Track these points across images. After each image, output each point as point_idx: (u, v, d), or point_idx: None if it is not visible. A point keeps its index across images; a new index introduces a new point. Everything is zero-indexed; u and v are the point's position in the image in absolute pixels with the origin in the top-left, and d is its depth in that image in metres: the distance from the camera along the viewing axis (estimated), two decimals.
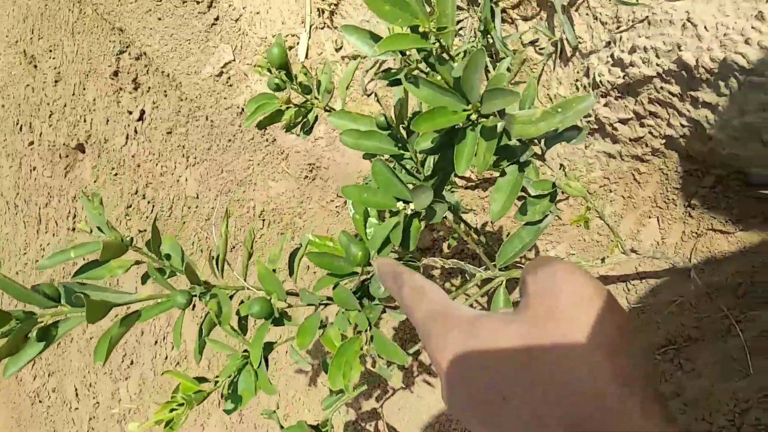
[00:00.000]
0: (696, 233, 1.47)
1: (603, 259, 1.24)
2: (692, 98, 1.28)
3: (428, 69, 0.85)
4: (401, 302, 0.46)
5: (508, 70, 1.60)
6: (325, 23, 2.01)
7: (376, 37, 0.82)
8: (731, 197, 1.40)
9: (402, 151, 1.02)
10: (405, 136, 1.00)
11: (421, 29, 0.74)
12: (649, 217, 1.54)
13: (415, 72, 0.82)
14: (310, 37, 2.06)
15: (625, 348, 0.33)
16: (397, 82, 0.87)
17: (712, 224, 1.44)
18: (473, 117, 0.79)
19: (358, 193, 0.89)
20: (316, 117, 1.11)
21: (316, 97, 1.13)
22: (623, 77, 1.34)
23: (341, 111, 1.03)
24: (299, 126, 1.11)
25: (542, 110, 0.85)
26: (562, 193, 1.47)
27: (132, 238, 0.82)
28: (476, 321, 0.38)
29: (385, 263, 0.51)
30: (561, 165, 1.44)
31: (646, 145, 1.45)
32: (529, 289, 0.37)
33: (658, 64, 1.27)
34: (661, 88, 1.30)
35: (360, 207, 0.98)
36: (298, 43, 2.09)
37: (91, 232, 0.70)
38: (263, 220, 2.25)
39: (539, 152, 0.96)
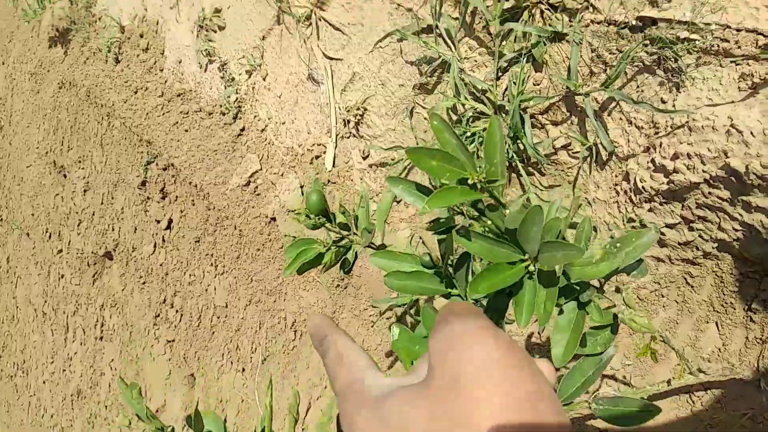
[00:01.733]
0: (761, 339, 1.37)
1: (669, 381, 1.15)
2: (744, 203, 1.22)
3: (477, 215, 0.80)
4: (326, 369, 0.45)
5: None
6: (351, 132, 2.02)
7: (421, 187, 0.78)
8: None
9: (450, 290, 0.97)
10: (452, 273, 0.95)
11: (470, 181, 0.71)
12: (707, 322, 1.44)
13: (467, 223, 0.78)
14: (336, 146, 2.07)
15: (537, 418, 0.30)
16: (447, 231, 0.82)
17: None
18: (531, 269, 0.73)
19: (406, 344, 0.83)
20: (356, 254, 1.07)
21: (355, 233, 1.10)
22: (667, 183, 1.29)
23: (384, 251, 0.99)
24: (339, 264, 1.07)
25: (601, 250, 0.80)
26: None
27: (172, 428, 0.76)
28: (385, 402, 0.36)
29: (315, 324, 0.49)
30: (618, 288, 1.37)
31: (697, 249, 1.38)
32: (432, 356, 0.35)
33: (704, 171, 1.22)
34: (709, 193, 1.25)
35: (408, 358, 0.92)
36: (324, 152, 2.09)
37: (130, 424, 0.64)
38: (295, 331, 2.18)
39: (597, 284, 0.90)
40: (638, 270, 0.88)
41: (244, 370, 2.49)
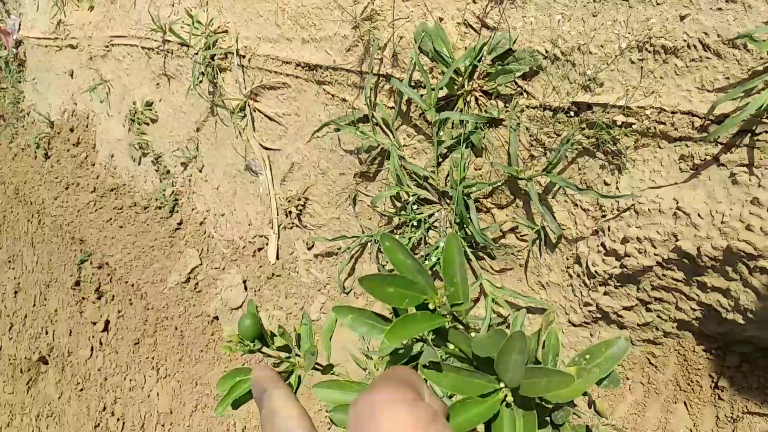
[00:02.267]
0: (731, 417, 1.32)
1: None
2: (699, 283, 1.19)
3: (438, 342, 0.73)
4: (261, 423, 0.44)
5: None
6: (293, 223, 1.94)
7: (375, 317, 0.70)
8: (762, 375, 1.28)
9: None
10: None
11: (431, 306, 0.63)
12: (675, 402, 1.39)
13: (432, 352, 0.69)
14: (279, 238, 1.98)
15: None
16: (408, 362, 0.74)
17: (746, 406, 1.30)
18: (510, 399, 0.65)
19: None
20: (299, 379, 0.98)
21: (297, 355, 1.00)
22: (620, 267, 1.25)
23: (328, 382, 0.90)
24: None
25: (575, 368, 0.73)
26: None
27: None
28: None
29: (257, 376, 0.49)
30: (591, 403, 1.31)
31: (657, 329, 1.33)
32: (349, 420, 0.35)
33: (656, 254, 1.19)
34: (664, 275, 1.22)
35: None
36: (267, 245, 2.00)
37: None
38: None
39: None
40: (610, 380, 0.82)
41: None
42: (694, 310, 1.24)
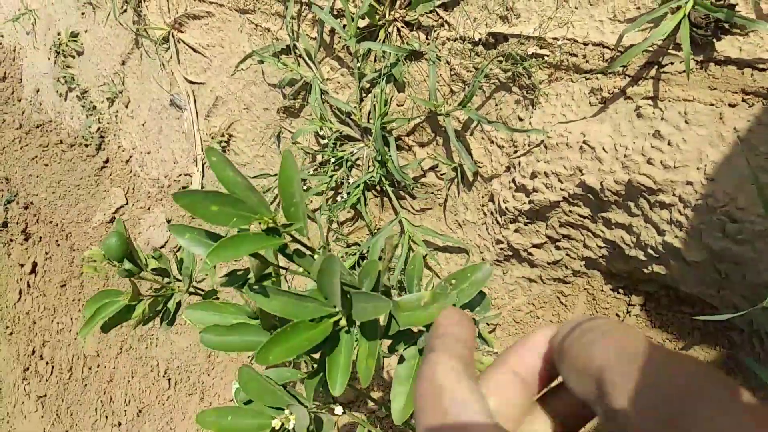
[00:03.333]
0: None
1: None
2: (604, 219, 1.19)
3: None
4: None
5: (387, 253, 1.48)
6: None
7: (211, 235, 0.66)
8: (665, 314, 1.30)
9: None
10: (280, 325, 0.84)
11: (262, 226, 0.60)
12: None
13: (263, 280, 0.67)
14: (203, 176, 1.92)
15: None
16: (243, 285, 0.72)
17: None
18: (342, 323, 0.63)
19: (218, 421, 0.71)
20: (179, 303, 0.94)
21: (177, 279, 0.96)
22: (529, 203, 1.24)
23: (201, 303, 0.86)
24: (160, 316, 0.93)
25: (430, 293, 0.71)
26: None
27: None
28: None
29: (446, 324, 0.34)
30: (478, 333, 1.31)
31: (566, 267, 1.34)
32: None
33: (562, 189, 1.17)
34: (570, 211, 1.21)
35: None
36: (191, 183, 1.94)
37: None
38: (169, 379, 2.00)
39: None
40: (482, 306, 0.80)
41: (120, 424, 2.27)
42: (600, 247, 1.24)
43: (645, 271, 1.20)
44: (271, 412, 0.76)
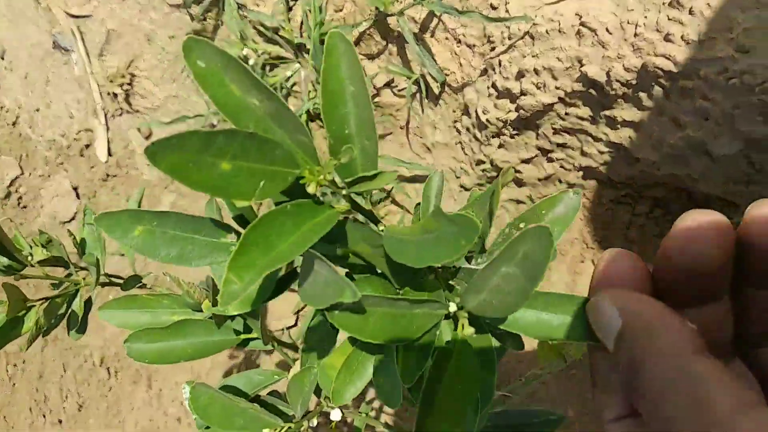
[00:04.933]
0: None
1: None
2: (608, 119, 0.98)
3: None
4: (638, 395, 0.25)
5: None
6: (122, 109, 1.56)
7: (196, 222, 0.39)
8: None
9: (248, 336, 0.62)
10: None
11: (311, 188, 0.31)
12: (582, 261, 1.24)
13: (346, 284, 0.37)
14: (108, 129, 1.60)
15: None
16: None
17: None
18: (468, 332, 0.38)
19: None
20: (90, 301, 0.69)
21: (81, 267, 0.70)
22: (516, 110, 1.02)
23: (121, 299, 0.61)
24: (65, 322, 0.68)
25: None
26: None
27: None
28: None
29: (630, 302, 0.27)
30: None
31: (560, 182, 1.14)
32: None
33: (557, 87, 0.96)
34: (567, 114, 1.00)
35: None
36: (95, 140, 1.61)
37: None
38: (107, 368, 1.74)
39: None
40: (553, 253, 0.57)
41: (60, 422, 2.01)
42: (602, 153, 1.05)
43: (656, 173, 1.02)
44: None
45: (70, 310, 0.65)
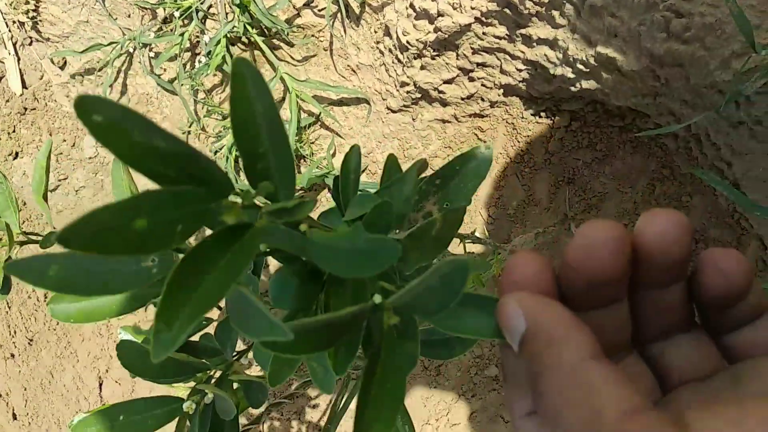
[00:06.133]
0: (564, 179, 1.24)
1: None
2: (524, 37, 1.00)
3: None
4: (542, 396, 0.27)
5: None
6: (31, 37, 1.47)
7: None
8: (592, 132, 1.18)
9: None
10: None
11: (229, 220, 0.30)
12: (507, 175, 1.29)
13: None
14: (19, 60, 1.51)
15: None
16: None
17: (576, 166, 1.22)
18: (394, 320, 0.41)
19: (107, 427, 0.51)
20: (8, 261, 0.69)
21: None
22: (434, 31, 1.02)
23: (40, 256, 0.61)
24: None
25: (441, 216, 0.47)
26: None
27: None
28: None
29: (524, 309, 0.29)
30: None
31: (482, 100, 1.16)
32: None
33: (473, 7, 0.96)
34: (484, 34, 1.01)
35: None
36: (5, 72, 1.53)
37: None
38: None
39: None
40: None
41: (13, 356, 2.03)
42: (520, 70, 1.07)
43: (572, 89, 1.05)
44: (178, 388, 0.57)
45: None
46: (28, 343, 1.92)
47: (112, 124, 0.28)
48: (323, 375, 0.40)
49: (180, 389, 0.56)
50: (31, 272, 0.31)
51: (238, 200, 0.30)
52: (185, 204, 0.28)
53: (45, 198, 0.69)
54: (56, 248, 0.68)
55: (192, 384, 0.57)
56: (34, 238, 0.71)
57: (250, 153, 0.32)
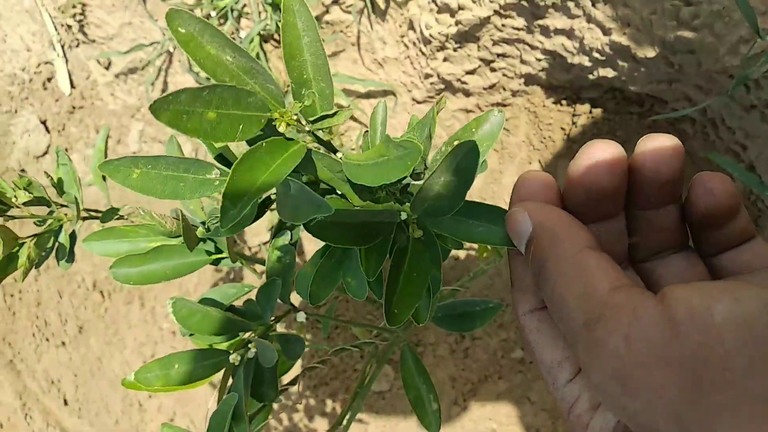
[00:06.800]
0: None
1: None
2: (542, 28, 1.04)
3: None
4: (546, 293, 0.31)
5: None
6: (78, 39, 1.57)
7: (187, 163, 0.44)
8: (612, 118, 1.22)
9: (219, 255, 0.71)
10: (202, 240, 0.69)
11: (280, 127, 0.37)
12: (530, 163, 1.33)
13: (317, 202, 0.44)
14: (67, 61, 1.61)
15: None
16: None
17: None
18: (417, 233, 0.47)
19: (164, 374, 0.59)
20: (74, 234, 0.77)
21: (62, 204, 0.78)
22: (455, 24, 1.07)
23: (102, 231, 0.69)
24: (54, 255, 0.76)
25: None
26: None
27: None
28: None
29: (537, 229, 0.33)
30: None
31: (504, 89, 1.21)
32: None
33: (491, 1, 1.01)
34: (503, 26, 1.05)
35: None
36: (56, 72, 1.63)
37: None
38: (101, 292, 1.85)
39: None
40: (480, 167, 0.66)
41: (64, 344, 2.15)
42: (539, 60, 1.11)
43: (590, 77, 1.09)
44: (223, 343, 0.64)
45: (57, 243, 0.73)
46: (79, 331, 2.03)
47: (194, 36, 0.35)
48: (356, 285, 0.47)
49: (224, 346, 0.63)
50: (119, 172, 0.38)
51: (289, 112, 0.37)
52: (247, 107, 0.35)
53: (104, 179, 0.77)
54: (114, 223, 0.76)
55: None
56: (93, 214, 0.79)
57: (297, 78, 0.39)
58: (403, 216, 0.44)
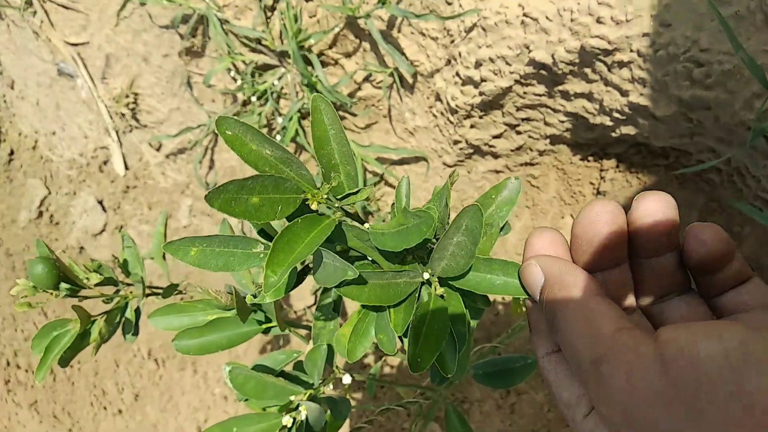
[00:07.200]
0: None
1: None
2: (562, 92, 1.10)
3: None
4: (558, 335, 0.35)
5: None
6: (131, 125, 1.70)
7: (236, 240, 0.51)
8: (640, 172, 1.25)
9: (269, 324, 0.77)
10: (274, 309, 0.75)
11: (313, 205, 0.44)
12: (563, 217, 1.37)
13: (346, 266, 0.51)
14: (121, 145, 1.74)
15: None
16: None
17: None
18: (439, 290, 0.52)
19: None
20: (138, 310, 0.84)
21: (127, 283, 0.85)
22: (479, 95, 1.14)
23: (164, 307, 0.76)
24: (120, 329, 0.83)
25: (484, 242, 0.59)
26: None
27: None
28: None
29: (552, 268, 0.38)
30: None
31: (531, 150, 1.26)
32: None
33: (511, 72, 1.07)
34: (525, 93, 1.12)
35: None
36: (111, 156, 1.76)
37: None
38: (155, 360, 1.93)
39: None
40: (504, 229, 0.71)
41: (120, 412, 2.22)
42: (563, 121, 1.17)
43: (613, 134, 1.14)
44: (276, 406, 0.69)
45: (123, 319, 0.81)
46: (135, 399, 2.10)
47: (238, 136, 0.43)
48: (387, 341, 0.52)
49: (276, 409, 0.67)
50: (180, 251, 0.45)
51: (320, 192, 0.44)
52: (284, 191, 0.42)
53: (164, 257, 0.84)
54: (172, 299, 0.84)
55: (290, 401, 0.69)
56: (155, 290, 0.86)
57: (326, 163, 0.46)
58: (426, 276, 0.49)
